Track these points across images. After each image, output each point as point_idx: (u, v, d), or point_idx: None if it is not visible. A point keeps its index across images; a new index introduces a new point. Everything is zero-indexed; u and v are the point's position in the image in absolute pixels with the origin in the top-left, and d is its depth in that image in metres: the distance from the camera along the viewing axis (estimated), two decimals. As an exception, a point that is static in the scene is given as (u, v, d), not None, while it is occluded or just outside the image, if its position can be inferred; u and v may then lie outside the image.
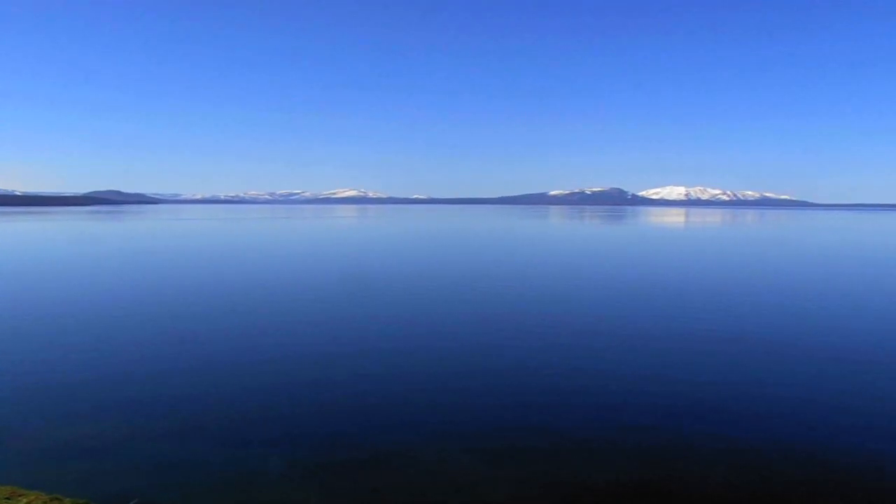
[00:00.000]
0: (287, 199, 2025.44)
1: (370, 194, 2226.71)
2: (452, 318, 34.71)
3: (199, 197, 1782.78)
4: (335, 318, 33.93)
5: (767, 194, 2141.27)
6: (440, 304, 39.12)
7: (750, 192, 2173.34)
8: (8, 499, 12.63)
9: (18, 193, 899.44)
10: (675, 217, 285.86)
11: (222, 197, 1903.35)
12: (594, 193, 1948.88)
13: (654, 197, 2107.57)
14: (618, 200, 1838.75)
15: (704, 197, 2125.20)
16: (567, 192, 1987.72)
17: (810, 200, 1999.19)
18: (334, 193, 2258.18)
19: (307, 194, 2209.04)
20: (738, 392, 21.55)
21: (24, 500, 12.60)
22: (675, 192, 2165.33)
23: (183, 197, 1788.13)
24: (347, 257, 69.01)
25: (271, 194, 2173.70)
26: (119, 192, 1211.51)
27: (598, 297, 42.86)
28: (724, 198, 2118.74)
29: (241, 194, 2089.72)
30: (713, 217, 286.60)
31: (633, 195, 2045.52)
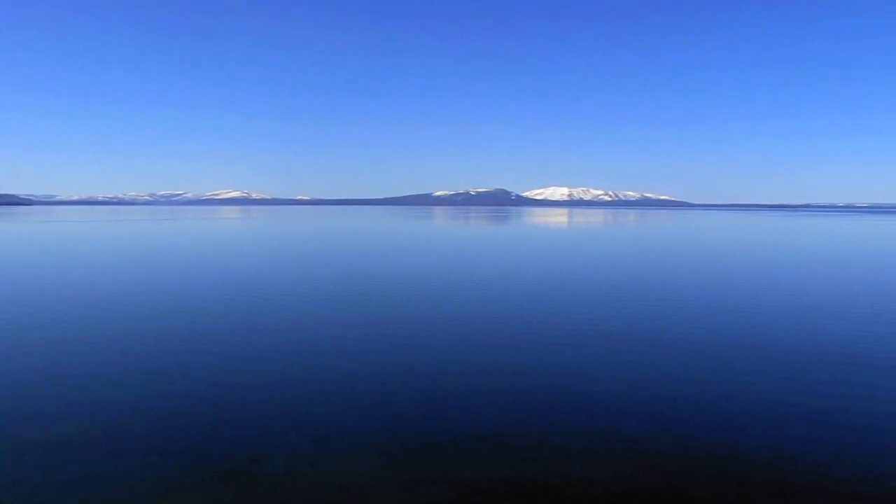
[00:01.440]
0: (169, 201, 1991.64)
1: (254, 195, 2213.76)
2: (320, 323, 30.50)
3: (75, 198, 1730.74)
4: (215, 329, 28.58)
5: (648, 195, 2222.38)
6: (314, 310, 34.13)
7: (631, 193, 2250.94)
8: None
9: None
10: (557, 217, 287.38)
11: (100, 198, 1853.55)
12: (479, 194, 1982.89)
13: (537, 197, 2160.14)
14: (502, 201, 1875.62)
15: (587, 197, 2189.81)
16: (452, 192, 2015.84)
17: (689, 201, 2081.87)
18: (217, 194, 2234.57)
19: (189, 195, 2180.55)
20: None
21: None
22: (559, 192, 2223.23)
23: (58, 198, 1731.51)
24: (224, 261, 60.48)
25: (152, 195, 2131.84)
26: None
27: (478, 295, 39.33)
28: (607, 198, 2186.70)
29: (121, 195, 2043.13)
30: (595, 217, 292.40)
31: (518, 196, 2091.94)
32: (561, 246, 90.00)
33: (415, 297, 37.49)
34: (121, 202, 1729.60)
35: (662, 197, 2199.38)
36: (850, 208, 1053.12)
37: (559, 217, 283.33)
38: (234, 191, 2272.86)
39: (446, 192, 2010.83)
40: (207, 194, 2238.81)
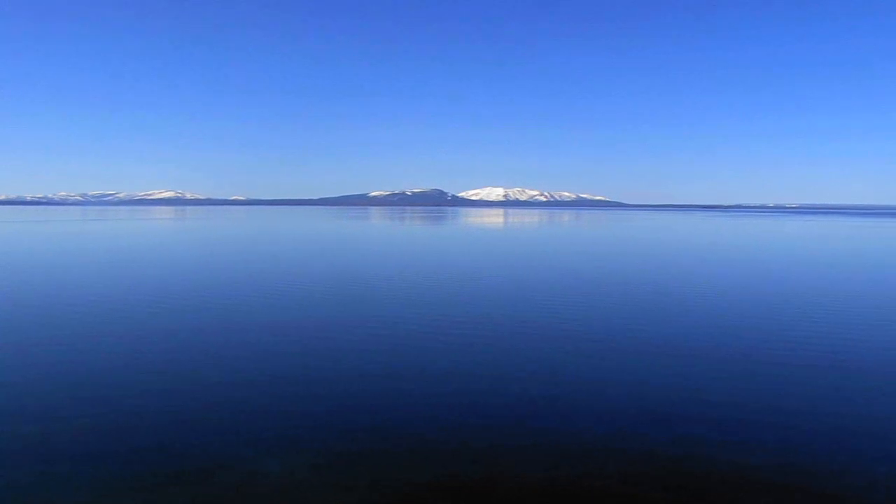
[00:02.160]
0: (100, 201, 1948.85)
1: (188, 195, 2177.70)
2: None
3: (2, 198, 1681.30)
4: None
5: (583, 195, 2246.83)
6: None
7: (566, 193, 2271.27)
8: None
9: None
10: (494, 217, 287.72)
11: (28, 198, 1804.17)
12: (415, 194, 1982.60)
13: (473, 198, 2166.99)
14: (438, 201, 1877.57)
15: (523, 198, 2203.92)
16: (388, 192, 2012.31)
17: (624, 201, 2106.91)
18: (150, 194, 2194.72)
19: (122, 195, 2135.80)
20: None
21: None
22: (495, 192, 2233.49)
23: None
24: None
25: (83, 195, 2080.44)
26: None
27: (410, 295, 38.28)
28: (542, 198, 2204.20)
29: (50, 195, 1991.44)
30: (530, 217, 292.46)
31: (454, 196, 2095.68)
32: (498, 246, 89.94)
33: (360, 298, 36.87)
34: (50, 202, 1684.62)
35: (597, 197, 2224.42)
36: (779, 209, 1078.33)
37: (495, 217, 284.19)
38: (167, 191, 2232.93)
39: (382, 193, 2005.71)
40: (140, 194, 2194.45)
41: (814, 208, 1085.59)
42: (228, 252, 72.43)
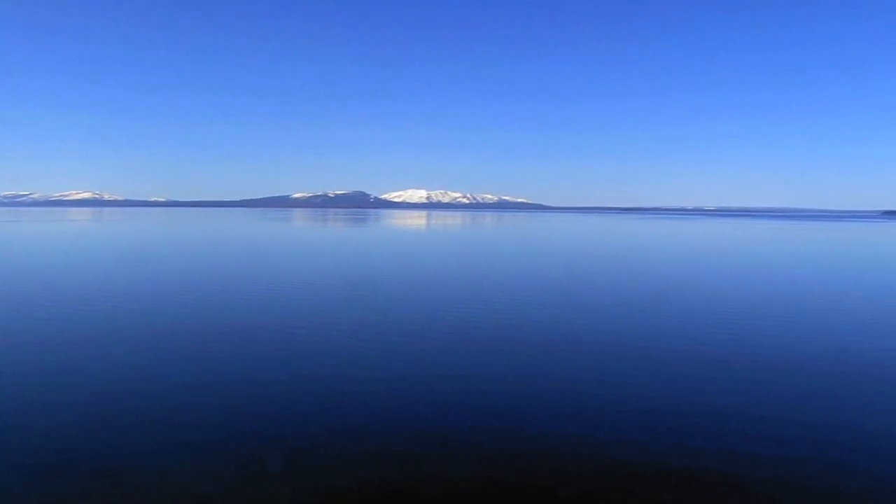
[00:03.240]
0: (13, 202, 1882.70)
1: (106, 196, 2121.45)
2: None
3: None
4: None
5: (505, 197, 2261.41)
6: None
7: (489, 196, 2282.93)
8: None
9: None
10: (416, 219, 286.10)
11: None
12: (337, 196, 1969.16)
13: (396, 200, 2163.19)
14: (361, 203, 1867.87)
15: (445, 200, 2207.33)
16: (310, 194, 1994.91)
17: (546, 203, 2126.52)
18: (66, 195, 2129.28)
19: (36, 196, 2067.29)
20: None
21: None
22: (417, 195, 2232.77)
23: None
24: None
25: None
26: None
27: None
28: (465, 200, 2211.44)
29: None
30: (452, 219, 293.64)
31: (376, 198, 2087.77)
32: (416, 250, 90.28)
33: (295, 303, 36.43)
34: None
35: (520, 200, 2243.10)
36: (698, 211, 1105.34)
37: (417, 219, 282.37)
38: (84, 192, 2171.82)
39: (304, 194, 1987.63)
40: (56, 195, 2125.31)
41: (730, 211, 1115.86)
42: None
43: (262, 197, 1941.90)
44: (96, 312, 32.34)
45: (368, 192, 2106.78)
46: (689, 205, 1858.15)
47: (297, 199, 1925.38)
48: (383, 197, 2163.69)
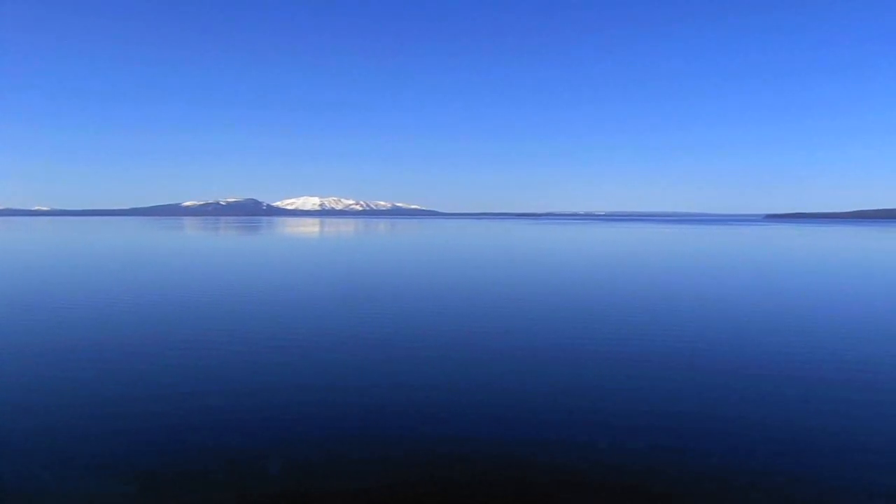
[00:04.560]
0: None
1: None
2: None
3: None
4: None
5: (399, 204, 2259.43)
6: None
7: (382, 203, 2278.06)
8: None
9: None
10: (310, 227, 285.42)
11: None
12: (229, 204, 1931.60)
13: (289, 207, 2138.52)
14: (253, 211, 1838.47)
15: (339, 207, 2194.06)
16: (202, 202, 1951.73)
17: (439, 210, 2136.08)
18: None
19: None
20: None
21: None
22: (310, 202, 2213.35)
23: None
24: None
25: None
26: None
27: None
28: (358, 208, 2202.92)
29: None
30: (345, 226, 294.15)
31: (269, 206, 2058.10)
32: (308, 258, 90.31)
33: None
34: None
35: (413, 206, 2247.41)
36: (589, 216, 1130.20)
37: (311, 227, 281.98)
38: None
39: (196, 202, 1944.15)
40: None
41: (620, 216, 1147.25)
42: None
43: (152, 205, 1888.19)
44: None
45: (261, 200, 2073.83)
46: (581, 210, 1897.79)
47: (188, 207, 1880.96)
48: (276, 204, 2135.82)
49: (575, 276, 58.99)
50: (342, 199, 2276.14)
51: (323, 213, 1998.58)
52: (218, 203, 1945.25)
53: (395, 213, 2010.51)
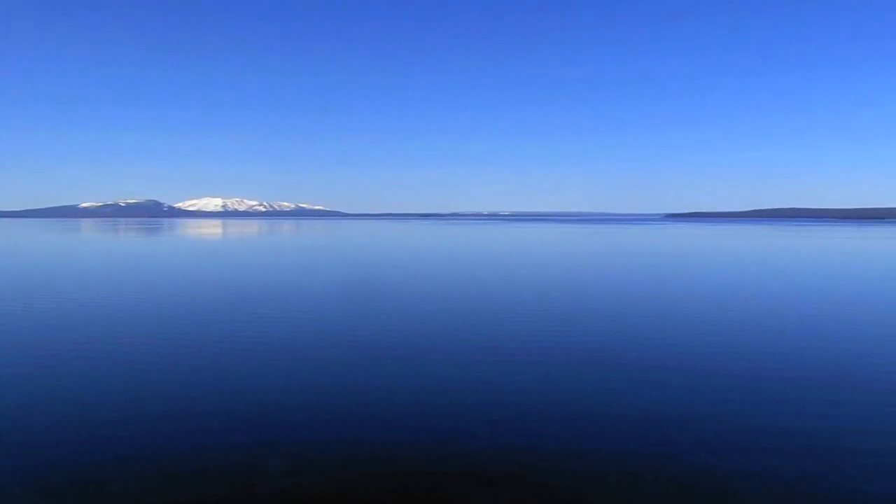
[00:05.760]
0: None
1: None
2: None
3: None
4: None
5: (303, 205, 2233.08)
6: None
7: (286, 203, 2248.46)
8: None
9: None
10: (212, 228, 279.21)
11: None
12: (129, 205, 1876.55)
13: (191, 208, 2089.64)
14: (154, 212, 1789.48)
15: (242, 208, 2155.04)
16: (100, 203, 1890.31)
17: (343, 211, 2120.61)
18: None
19: None
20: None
21: None
22: (213, 203, 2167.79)
23: None
24: None
25: None
26: None
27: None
28: (261, 209, 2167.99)
29: None
30: (249, 227, 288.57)
31: (170, 207, 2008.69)
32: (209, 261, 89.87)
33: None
34: None
35: (317, 207, 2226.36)
36: (494, 216, 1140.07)
37: (213, 228, 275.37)
38: None
39: (94, 204, 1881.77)
40: None
41: (524, 216, 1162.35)
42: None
43: (47, 207, 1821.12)
44: None
45: (162, 201, 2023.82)
46: (486, 210, 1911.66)
47: (86, 208, 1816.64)
48: (178, 206, 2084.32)
49: (466, 276, 61.92)
50: (245, 200, 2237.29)
51: (226, 214, 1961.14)
52: (117, 204, 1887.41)
53: (300, 213, 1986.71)
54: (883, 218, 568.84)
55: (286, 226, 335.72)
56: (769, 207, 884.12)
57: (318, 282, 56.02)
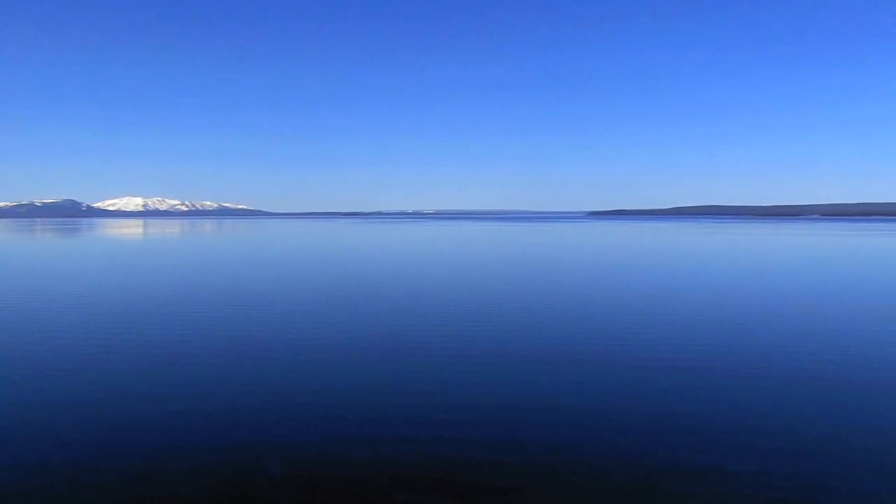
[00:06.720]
0: None
1: None
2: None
3: None
4: None
5: (225, 204, 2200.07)
6: None
7: (208, 203, 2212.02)
8: None
9: None
10: (134, 228, 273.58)
11: None
12: (45, 205, 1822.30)
13: (111, 208, 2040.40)
14: (72, 213, 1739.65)
15: (163, 207, 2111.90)
16: (14, 203, 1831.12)
17: (266, 210, 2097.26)
18: None
19: None
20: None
21: None
22: (133, 203, 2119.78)
23: None
24: None
25: None
26: None
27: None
28: (184, 208, 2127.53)
29: None
30: (172, 227, 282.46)
31: (89, 207, 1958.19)
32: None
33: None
34: None
35: (240, 206, 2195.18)
36: (417, 214, 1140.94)
37: (135, 228, 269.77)
38: None
39: (7, 204, 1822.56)
40: None
41: (447, 214, 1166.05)
42: None
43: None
44: None
45: (80, 201, 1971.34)
46: (409, 208, 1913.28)
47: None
48: (97, 205, 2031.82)
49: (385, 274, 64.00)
50: (167, 200, 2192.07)
51: (147, 213, 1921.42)
52: (33, 204, 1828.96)
53: (222, 213, 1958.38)
54: (797, 215, 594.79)
55: (209, 225, 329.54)
56: (689, 205, 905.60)
57: (259, 281, 56.74)
